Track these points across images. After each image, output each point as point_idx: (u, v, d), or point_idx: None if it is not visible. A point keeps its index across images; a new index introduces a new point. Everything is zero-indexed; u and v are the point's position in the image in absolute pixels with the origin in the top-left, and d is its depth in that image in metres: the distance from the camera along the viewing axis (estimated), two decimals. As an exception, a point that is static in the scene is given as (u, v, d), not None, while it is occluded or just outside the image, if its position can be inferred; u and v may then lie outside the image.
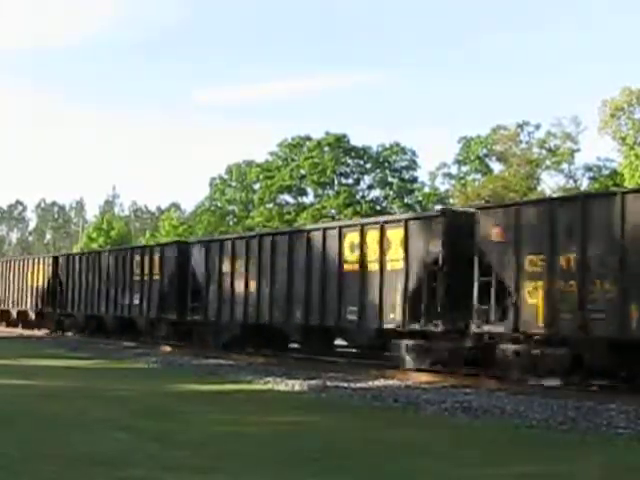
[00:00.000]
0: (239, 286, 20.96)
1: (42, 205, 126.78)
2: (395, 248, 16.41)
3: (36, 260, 35.07)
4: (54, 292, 32.03)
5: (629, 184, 39.03)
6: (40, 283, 33.16)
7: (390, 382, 15.09)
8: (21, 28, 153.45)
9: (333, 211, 59.49)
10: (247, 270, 20.72)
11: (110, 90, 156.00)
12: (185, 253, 23.71)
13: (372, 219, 20.76)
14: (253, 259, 20.59)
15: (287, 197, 64.54)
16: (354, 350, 19.77)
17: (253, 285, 20.50)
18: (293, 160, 63.33)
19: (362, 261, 17.12)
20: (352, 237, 17.57)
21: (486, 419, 11.06)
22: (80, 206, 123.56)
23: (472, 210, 16.21)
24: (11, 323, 36.30)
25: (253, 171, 66.19)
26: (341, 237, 17.88)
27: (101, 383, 15.08)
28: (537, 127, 53.36)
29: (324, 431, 9.97)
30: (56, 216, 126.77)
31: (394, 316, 16.17)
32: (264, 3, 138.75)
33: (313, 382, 14.94)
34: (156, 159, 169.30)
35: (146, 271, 25.49)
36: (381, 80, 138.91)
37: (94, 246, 63.48)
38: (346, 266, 17.64)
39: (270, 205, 63.90)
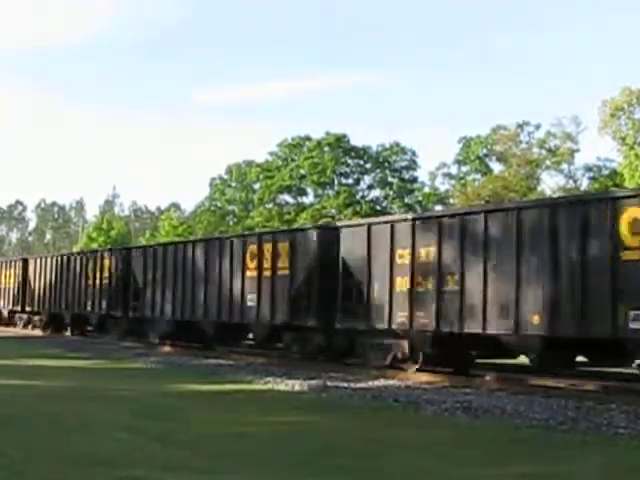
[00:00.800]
0: (427, 281, 15.64)
1: (42, 205, 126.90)
2: None
3: (99, 255, 29.37)
4: (125, 292, 26.67)
5: (629, 184, 39.03)
6: (105, 281, 27.90)
7: (390, 382, 15.07)
8: (21, 28, 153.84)
9: (333, 211, 59.48)
10: (439, 258, 15.41)
11: (110, 90, 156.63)
12: (331, 240, 18.22)
13: None
14: (449, 245, 15.39)
15: (287, 197, 64.61)
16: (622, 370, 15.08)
17: (450, 280, 15.19)
18: (293, 160, 63.36)
19: None
20: (635, 212, 12.63)
21: (486, 419, 11.05)
22: (80, 206, 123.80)
23: None
24: (59, 329, 31.69)
25: (253, 171, 66.24)
26: (615, 212, 12.76)
27: (101, 383, 15.07)
28: (537, 127, 53.45)
29: (324, 431, 9.97)
30: (56, 216, 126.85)
31: None
32: (264, 3, 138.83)
33: (313, 382, 14.92)
34: (156, 159, 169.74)
35: (266, 265, 19.94)
36: (381, 80, 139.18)
37: (94, 246, 63.48)
38: (627, 254, 12.59)
39: (270, 205, 63.92)
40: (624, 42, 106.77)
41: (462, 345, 15.50)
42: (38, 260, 34.45)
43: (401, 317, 16.02)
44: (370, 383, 14.94)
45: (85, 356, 21.70)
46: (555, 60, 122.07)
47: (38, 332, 32.60)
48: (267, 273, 19.83)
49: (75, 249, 64.14)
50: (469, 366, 16.29)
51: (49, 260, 33.22)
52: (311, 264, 18.62)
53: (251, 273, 20.41)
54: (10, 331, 34.21)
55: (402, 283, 16.03)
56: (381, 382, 15.13)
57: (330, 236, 18.40)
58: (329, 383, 14.79)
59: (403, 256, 16.04)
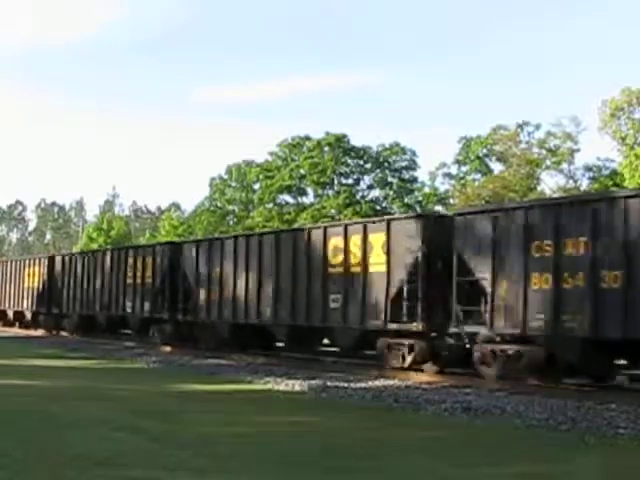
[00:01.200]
0: (576, 278, 13.21)
1: (42, 205, 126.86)
2: None
3: (140, 251, 26.61)
4: (172, 292, 23.95)
5: (629, 184, 39.03)
6: (148, 280, 25.22)
7: (390, 382, 15.07)
8: (21, 28, 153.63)
9: (333, 211, 59.45)
10: (594, 251, 13.04)
11: (110, 90, 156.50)
12: (440, 231, 15.85)
13: None
14: (606, 235, 12.90)
15: (287, 197, 64.50)
16: None
17: (608, 276, 12.78)
18: (293, 160, 63.29)
19: None
20: None
21: (486, 419, 11.06)
22: (80, 206, 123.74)
23: None
24: (90, 332, 29.08)
25: (253, 171, 66.22)
26: None
27: (101, 383, 15.08)
28: (537, 127, 53.34)
29: (324, 431, 9.97)
30: (56, 216, 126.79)
31: None
32: (264, 3, 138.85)
33: (313, 382, 14.93)
34: (156, 159, 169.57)
35: (353, 260, 17.36)
36: (381, 80, 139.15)
37: (94, 246, 63.47)
38: None
39: (270, 205, 63.86)
40: (624, 42, 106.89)
41: (616, 352, 13.41)
42: (67, 258, 31.70)
43: (539, 320, 13.65)
44: (370, 383, 14.94)
45: (86, 356, 21.72)
46: (555, 60, 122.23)
47: (66, 334, 30.61)
48: (356, 269, 17.28)
49: (75, 249, 64.11)
50: (611, 376, 14.11)
51: (79, 258, 30.69)
52: (414, 259, 15.93)
53: (335, 270, 17.85)
54: (32, 333, 32.58)
55: (541, 280, 13.68)
56: (381, 382, 15.13)
57: (439, 226, 16.04)
58: (329, 383, 14.80)
59: (542, 249, 13.66)
